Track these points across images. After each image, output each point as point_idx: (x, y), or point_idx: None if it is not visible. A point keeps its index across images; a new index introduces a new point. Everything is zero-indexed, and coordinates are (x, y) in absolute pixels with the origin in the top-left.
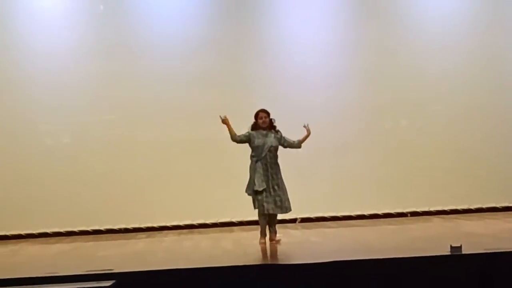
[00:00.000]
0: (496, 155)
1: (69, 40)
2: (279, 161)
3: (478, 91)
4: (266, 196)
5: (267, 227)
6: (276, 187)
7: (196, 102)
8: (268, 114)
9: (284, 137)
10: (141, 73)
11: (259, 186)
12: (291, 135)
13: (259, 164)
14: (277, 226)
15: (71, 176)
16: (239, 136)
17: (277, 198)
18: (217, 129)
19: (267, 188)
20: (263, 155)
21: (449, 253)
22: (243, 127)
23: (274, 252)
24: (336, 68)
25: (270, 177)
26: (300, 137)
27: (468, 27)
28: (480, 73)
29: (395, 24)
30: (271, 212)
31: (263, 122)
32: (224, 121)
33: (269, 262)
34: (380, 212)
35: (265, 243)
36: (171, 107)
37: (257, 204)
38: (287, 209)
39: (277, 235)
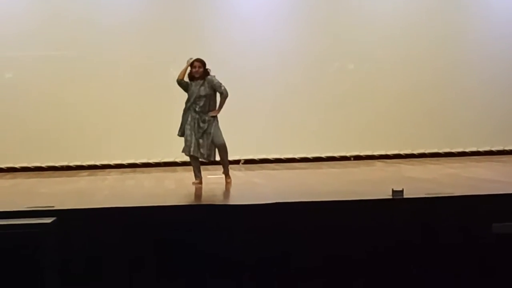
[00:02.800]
0: (439, 101)
1: None
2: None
3: (425, 35)
4: (191, 140)
5: (200, 168)
6: (203, 133)
7: (143, 45)
8: (202, 63)
9: (216, 82)
10: (86, 12)
11: (179, 132)
12: (240, 80)
13: (188, 112)
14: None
15: (13, 112)
16: (186, 82)
17: (201, 143)
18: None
19: (192, 134)
20: (189, 104)
21: (391, 197)
22: None
23: (216, 193)
24: (281, 9)
25: (197, 124)
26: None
27: None
28: (426, 19)
29: None
30: (192, 154)
31: (196, 71)
32: (188, 63)
33: (212, 203)
34: (323, 155)
35: (199, 183)
36: (118, 44)
37: (184, 146)
38: (204, 156)
39: (218, 176)
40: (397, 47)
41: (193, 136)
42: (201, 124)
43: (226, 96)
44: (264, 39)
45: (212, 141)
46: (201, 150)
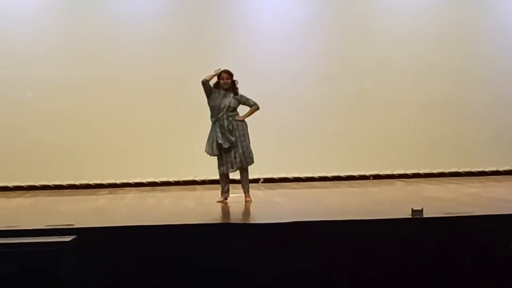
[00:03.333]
0: (459, 120)
1: None
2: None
3: (443, 52)
4: (223, 157)
5: (227, 186)
6: (235, 145)
7: (164, 63)
8: (230, 75)
9: (244, 98)
10: (107, 33)
11: (208, 150)
12: (260, 98)
13: (216, 124)
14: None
15: (34, 131)
16: (210, 86)
17: (233, 156)
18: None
19: (222, 150)
20: (219, 115)
21: (410, 217)
22: None
23: (235, 211)
24: (299, 28)
25: (227, 137)
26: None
27: None
28: (444, 33)
29: None
30: (225, 172)
31: (224, 82)
32: (216, 72)
33: (231, 221)
34: (342, 174)
35: (222, 201)
36: (139, 62)
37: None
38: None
39: (238, 195)
40: (415, 65)
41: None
42: (232, 134)
43: (258, 108)
44: (282, 57)
45: (243, 154)
46: (233, 163)
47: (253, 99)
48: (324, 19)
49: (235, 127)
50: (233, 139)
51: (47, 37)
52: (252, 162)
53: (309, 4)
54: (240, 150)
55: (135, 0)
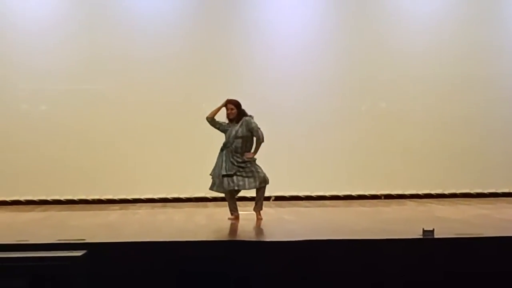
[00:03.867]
0: (471, 141)
1: (49, 5)
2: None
3: (456, 72)
4: (217, 177)
5: (236, 204)
6: (238, 172)
7: (176, 80)
8: (235, 105)
9: (252, 127)
10: (120, 47)
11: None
12: (272, 116)
13: (223, 153)
14: (252, 203)
15: (46, 145)
16: (217, 122)
17: (238, 178)
18: (196, 104)
19: (226, 174)
20: (227, 145)
21: (421, 237)
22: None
23: (246, 229)
24: (314, 47)
25: (233, 164)
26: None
27: (451, 7)
28: (459, 53)
29: (378, 5)
30: (227, 189)
31: (229, 113)
32: (222, 104)
33: (241, 239)
34: (354, 193)
35: (234, 219)
36: (151, 79)
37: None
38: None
39: (248, 213)
40: (428, 86)
41: (231, 176)
42: (236, 163)
43: (262, 141)
44: (296, 76)
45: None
46: (230, 183)
47: (257, 121)
48: (340, 37)
49: (240, 157)
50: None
51: (62, 51)
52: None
53: (324, 21)
54: (245, 175)
55: (149, 16)
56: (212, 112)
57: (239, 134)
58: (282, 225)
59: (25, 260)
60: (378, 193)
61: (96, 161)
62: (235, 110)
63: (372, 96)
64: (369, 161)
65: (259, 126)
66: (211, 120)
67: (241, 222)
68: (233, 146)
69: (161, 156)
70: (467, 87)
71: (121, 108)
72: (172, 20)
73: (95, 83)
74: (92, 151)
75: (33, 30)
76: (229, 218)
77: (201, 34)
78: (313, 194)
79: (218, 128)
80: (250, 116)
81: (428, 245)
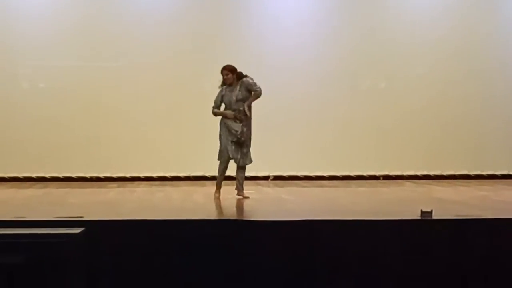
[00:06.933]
0: (470, 123)
1: None
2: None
3: (460, 57)
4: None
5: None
6: (243, 140)
7: (176, 57)
8: (230, 70)
9: (249, 83)
10: (122, 27)
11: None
12: (271, 95)
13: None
14: (250, 182)
15: (44, 122)
16: (215, 109)
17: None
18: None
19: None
20: (232, 109)
21: (419, 218)
22: None
23: (245, 208)
24: (314, 27)
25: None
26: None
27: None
28: (462, 40)
29: None
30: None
31: (226, 79)
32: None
33: (240, 218)
34: (352, 174)
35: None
36: (150, 56)
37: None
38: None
39: (248, 192)
40: (429, 67)
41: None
42: (233, 131)
43: (259, 95)
44: (296, 57)
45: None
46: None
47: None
48: (340, 21)
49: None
50: (238, 130)
51: (61, 29)
52: (250, 161)
53: (327, 10)
54: (245, 150)
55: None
56: (217, 113)
57: (239, 97)
58: (281, 204)
59: (23, 237)
60: (377, 174)
61: (95, 138)
62: (230, 75)
63: (373, 77)
64: (368, 142)
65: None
66: (215, 111)
67: (240, 201)
68: (235, 110)
69: (160, 134)
70: (468, 69)
71: (120, 86)
72: (175, 4)
73: (93, 60)
74: (90, 129)
75: (30, 7)
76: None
77: (200, 17)
78: (312, 174)
79: (220, 105)
80: (246, 76)
81: (426, 226)
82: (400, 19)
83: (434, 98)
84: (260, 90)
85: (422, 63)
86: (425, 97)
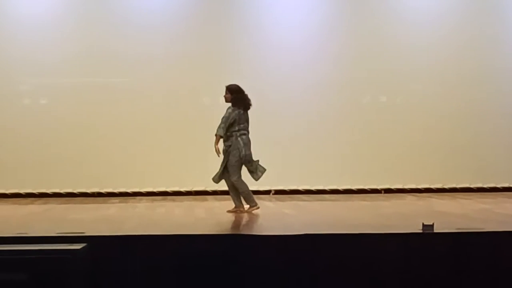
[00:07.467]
0: (471, 136)
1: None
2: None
3: (459, 70)
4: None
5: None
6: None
7: (177, 73)
8: (228, 89)
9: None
10: (122, 43)
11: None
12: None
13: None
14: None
15: (46, 138)
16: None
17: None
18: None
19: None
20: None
21: (421, 231)
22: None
23: (246, 223)
24: (316, 41)
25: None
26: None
27: (450, 5)
28: (460, 49)
29: (379, 2)
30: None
31: (224, 98)
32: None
33: (241, 232)
34: (354, 187)
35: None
36: (151, 72)
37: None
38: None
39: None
40: (430, 81)
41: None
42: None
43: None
44: (298, 70)
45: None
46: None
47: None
48: (341, 30)
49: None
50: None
51: (63, 45)
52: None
53: (325, 15)
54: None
55: (150, 11)
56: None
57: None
58: (282, 219)
59: (25, 253)
60: (378, 187)
61: (96, 154)
62: (228, 95)
63: (373, 90)
64: (369, 155)
65: (226, 119)
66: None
67: (241, 215)
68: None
69: (161, 150)
70: (468, 83)
71: (121, 102)
72: (171, 13)
73: (94, 77)
74: (92, 145)
75: (32, 25)
76: (248, 210)
77: (201, 27)
78: (313, 188)
79: (232, 123)
80: (233, 106)
81: (427, 239)
82: (399, 42)
83: (435, 111)
84: (217, 130)
85: (424, 77)
86: (426, 111)
